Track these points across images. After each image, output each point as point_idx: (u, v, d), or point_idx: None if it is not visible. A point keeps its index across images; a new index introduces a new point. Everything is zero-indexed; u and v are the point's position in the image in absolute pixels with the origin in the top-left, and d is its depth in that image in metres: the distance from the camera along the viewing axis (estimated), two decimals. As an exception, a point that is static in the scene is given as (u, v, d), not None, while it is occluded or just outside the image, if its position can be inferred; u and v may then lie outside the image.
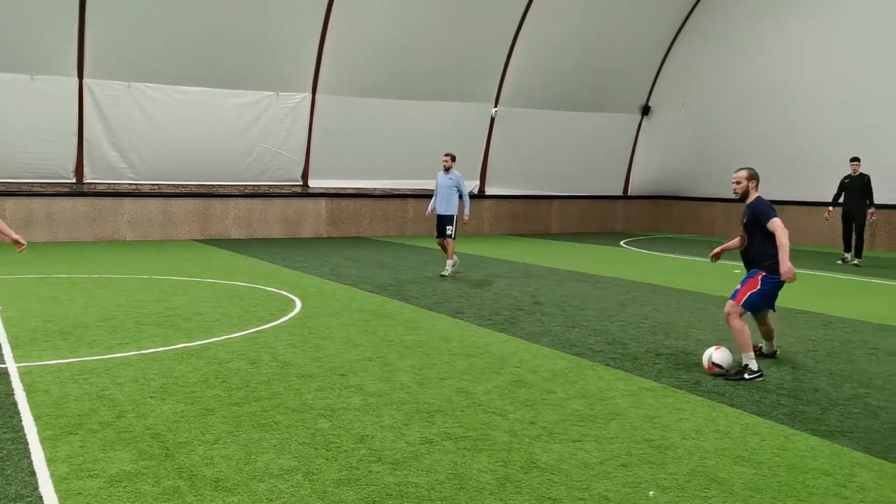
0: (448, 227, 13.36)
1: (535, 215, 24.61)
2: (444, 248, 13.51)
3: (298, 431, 5.21)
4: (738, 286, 7.02)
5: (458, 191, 13.41)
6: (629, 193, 26.27)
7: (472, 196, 23.37)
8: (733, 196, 7.23)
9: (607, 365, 7.20)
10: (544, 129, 23.75)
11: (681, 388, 6.43)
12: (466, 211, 13.51)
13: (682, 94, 24.50)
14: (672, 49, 24.62)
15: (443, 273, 13.36)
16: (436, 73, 21.64)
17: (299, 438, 5.07)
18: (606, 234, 24.26)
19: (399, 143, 21.66)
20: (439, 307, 10.17)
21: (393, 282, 12.58)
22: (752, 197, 7.12)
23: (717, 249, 7.67)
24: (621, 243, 21.12)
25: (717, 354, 6.88)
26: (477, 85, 22.56)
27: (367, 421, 5.46)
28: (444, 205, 13.41)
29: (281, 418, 5.48)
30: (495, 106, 23.05)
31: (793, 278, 6.77)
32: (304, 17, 19.69)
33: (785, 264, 6.73)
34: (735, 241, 7.48)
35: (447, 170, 13.45)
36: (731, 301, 6.97)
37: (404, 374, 6.75)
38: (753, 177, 7.16)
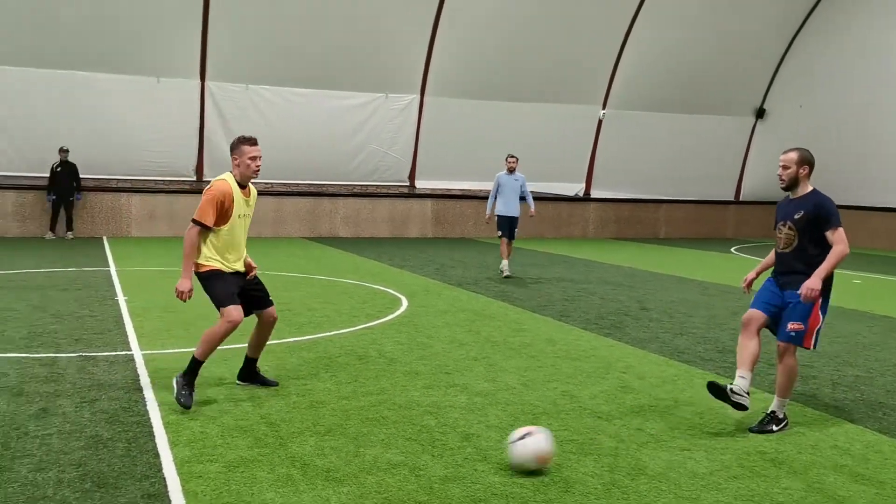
0: (516, 230, 13.48)
1: (642, 219, 24.16)
2: (509, 249, 13.52)
3: (405, 427, 5.30)
4: (796, 324, 5.42)
5: (523, 192, 13.41)
6: (741, 198, 25.43)
7: (577, 199, 23.33)
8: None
9: (717, 374, 7.00)
10: (653, 131, 23.30)
11: (796, 401, 6.19)
12: (533, 208, 13.86)
13: (800, 95, 23.51)
14: (790, 50, 23.68)
15: (508, 273, 13.29)
16: (543, 74, 21.56)
17: (406, 434, 5.17)
18: (716, 240, 23.56)
19: (505, 145, 21.50)
20: (544, 310, 10.13)
21: (497, 283, 12.62)
22: (807, 188, 5.56)
23: (751, 275, 6.10)
24: (732, 250, 20.47)
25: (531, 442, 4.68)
26: (585, 87, 22.34)
27: (472, 420, 5.51)
28: (514, 207, 13.41)
29: (388, 413, 5.59)
30: (603, 108, 22.77)
31: (813, 299, 5.39)
32: (413, 21, 20.00)
33: (819, 281, 5.31)
34: (774, 254, 5.89)
35: (512, 171, 13.37)
36: (791, 346, 5.47)
37: (509, 375, 6.77)
38: (806, 161, 5.49)
